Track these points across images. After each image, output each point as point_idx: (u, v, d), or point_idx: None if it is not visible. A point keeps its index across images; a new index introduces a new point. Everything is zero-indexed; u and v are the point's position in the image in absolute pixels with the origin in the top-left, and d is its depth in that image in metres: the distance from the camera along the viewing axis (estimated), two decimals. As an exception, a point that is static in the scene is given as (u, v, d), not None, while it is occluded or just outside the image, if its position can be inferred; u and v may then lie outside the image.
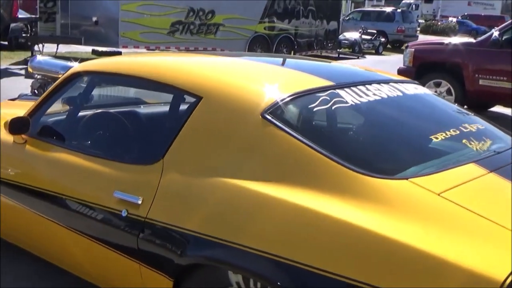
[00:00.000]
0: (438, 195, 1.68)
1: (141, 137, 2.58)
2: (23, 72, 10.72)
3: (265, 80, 2.26)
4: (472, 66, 8.70)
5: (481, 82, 8.63)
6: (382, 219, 1.62)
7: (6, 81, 9.99)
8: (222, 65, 2.65)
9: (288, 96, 2.05)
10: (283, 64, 2.64)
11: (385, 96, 2.28)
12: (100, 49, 12.80)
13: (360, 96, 2.19)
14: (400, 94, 2.38)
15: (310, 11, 17.46)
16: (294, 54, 15.88)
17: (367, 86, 2.32)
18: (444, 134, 2.10)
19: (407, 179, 1.75)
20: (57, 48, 12.46)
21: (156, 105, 3.22)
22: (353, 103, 2.13)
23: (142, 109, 3.15)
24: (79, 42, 12.34)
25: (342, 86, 2.23)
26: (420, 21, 47.75)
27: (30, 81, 5.81)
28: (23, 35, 11.88)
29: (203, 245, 1.86)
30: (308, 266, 1.62)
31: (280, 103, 2.02)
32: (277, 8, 15.95)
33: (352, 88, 2.25)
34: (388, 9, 27.85)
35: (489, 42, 8.67)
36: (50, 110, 2.86)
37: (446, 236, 1.54)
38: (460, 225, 1.59)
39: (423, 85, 8.51)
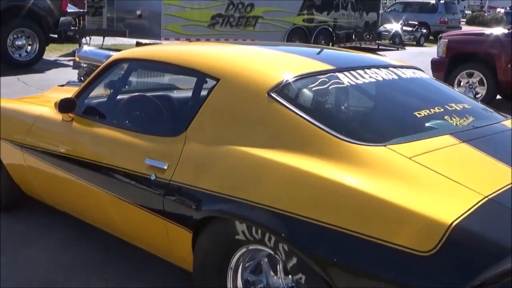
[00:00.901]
0: (409, 158, 2.01)
1: (169, 114, 2.97)
2: (71, 63, 11.33)
3: (274, 65, 2.62)
4: (505, 57, 8.77)
5: (515, 72, 8.71)
6: (359, 177, 1.95)
7: (55, 71, 10.64)
8: (238, 52, 3.04)
9: (291, 78, 2.41)
10: (294, 51, 2.98)
11: (381, 79, 2.61)
12: (143, 41, 13.36)
13: (357, 79, 2.53)
14: (396, 77, 2.70)
15: (349, 3, 17.59)
16: (332, 45, 16.10)
17: (366, 70, 2.65)
18: (427, 111, 2.41)
19: (385, 146, 2.08)
20: (103, 41, 13.05)
21: (186, 90, 3.61)
22: (349, 84, 2.47)
23: (173, 93, 3.54)
24: (123, 35, 12.89)
25: (341, 70, 2.57)
26: (467, 12, 46.93)
27: (77, 71, 6.31)
28: (72, 28, 12.49)
29: (215, 201, 2.23)
30: (298, 215, 1.96)
31: (284, 83, 2.37)
32: (316, 0, 16.17)
33: (351, 71, 2.58)
34: (431, 0, 27.58)
35: (523, 32, 8.75)
36: (93, 93, 3.29)
37: (409, 190, 1.87)
38: (423, 182, 1.91)
39: (456, 75, 8.65)
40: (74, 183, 3.05)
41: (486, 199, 1.82)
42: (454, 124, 2.39)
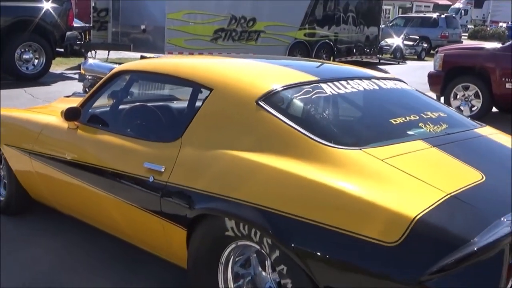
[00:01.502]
0: (382, 160, 2.22)
1: (166, 122, 3.20)
2: (76, 76, 11.63)
3: (262, 76, 2.85)
4: (499, 70, 8.98)
5: (507, 85, 8.91)
6: (336, 177, 2.16)
7: (61, 84, 10.91)
8: (231, 64, 3.27)
9: (277, 88, 2.64)
10: (282, 64, 3.21)
11: (362, 89, 2.83)
12: (147, 55, 13.67)
13: (339, 89, 2.75)
14: (377, 87, 2.92)
15: (350, 18, 17.88)
16: (333, 60, 16.35)
17: (348, 81, 2.87)
18: (403, 119, 2.63)
19: (361, 149, 2.29)
20: (108, 54, 13.36)
21: (183, 101, 3.84)
22: (331, 94, 2.69)
23: (171, 103, 3.77)
24: (128, 49, 13.19)
25: (325, 81, 2.80)
26: (469, 26, 47.20)
27: (82, 83, 6.56)
28: (78, 42, 12.82)
29: (207, 200, 2.44)
30: (281, 211, 2.17)
31: (271, 93, 2.59)
32: (317, 15, 16.44)
33: (334, 82, 2.80)
34: (432, 15, 27.86)
35: (517, 47, 8.96)
36: (96, 103, 3.52)
37: (379, 188, 2.07)
38: (392, 181, 2.12)
39: (452, 88, 8.85)
40: (79, 187, 3.27)
41: (449, 196, 2.02)
42: (428, 130, 2.60)
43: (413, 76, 12.03)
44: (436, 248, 1.85)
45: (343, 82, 2.83)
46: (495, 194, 2.13)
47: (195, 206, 2.49)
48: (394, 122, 2.60)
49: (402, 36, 23.48)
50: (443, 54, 9.83)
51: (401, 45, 22.97)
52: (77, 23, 12.62)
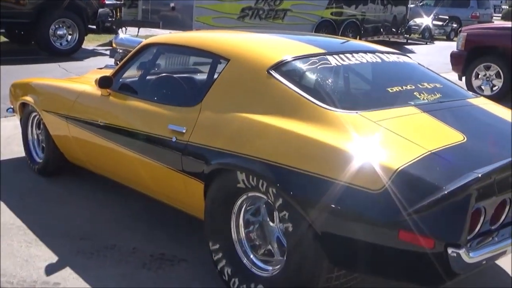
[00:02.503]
0: (375, 122, 2.52)
1: (188, 90, 3.53)
2: (107, 52, 12.04)
3: (273, 48, 3.17)
4: (520, 50, 9.07)
5: (529, 66, 9.00)
6: (334, 135, 2.47)
7: (93, 60, 11.35)
8: (247, 37, 3.60)
9: (287, 59, 2.94)
10: (294, 38, 3.51)
11: (365, 61, 3.12)
12: (172, 32, 14.01)
13: (343, 60, 3.05)
14: (379, 60, 3.21)
15: (377, -3, 17.91)
16: (360, 39, 16.46)
17: (353, 54, 3.16)
18: (400, 88, 2.92)
19: (357, 113, 2.60)
20: (138, 31, 13.75)
21: (204, 73, 4.16)
22: (335, 65, 2.99)
23: (193, 74, 4.09)
24: (157, 26, 13.54)
25: (331, 53, 3.10)
26: (503, 7, 46.25)
27: (111, 60, 6.94)
28: (109, 19, 13.23)
29: (222, 156, 2.78)
30: (285, 165, 2.49)
31: (281, 63, 2.91)
32: (344, -7, 16.53)
33: (340, 55, 3.10)
34: (463, -6, 27.50)
35: (539, 27, 9.03)
36: (126, 73, 3.87)
37: (370, 145, 2.38)
38: (382, 139, 2.42)
39: (474, 68, 8.99)
40: (111, 148, 3.64)
41: (429, 152, 2.32)
42: (422, 99, 2.89)
43: (439, 56, 12.13)
44: (413, 194, 2.15)
45: (348, 55, 3.13)
46: (473, 153, 2.41)
47: (211, 162, 2.82)
48: (391, 91, 2.89)
49: (431, 16, 23.34)
50: (466, 34, 9.93)
51: (430, 25, 22.85)
52: (108, 1, 13.02)
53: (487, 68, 9.49)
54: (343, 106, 2.67)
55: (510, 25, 9.77)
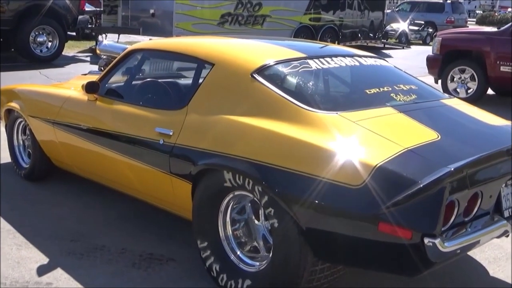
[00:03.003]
0: (354, 122, 2.66)
1: (175, 94, 3.64)
2: (88, 58, 12.11)
3: (257, 52, 3.30)
4: (493, 54, 9.34)
5: (502, 68, 9.27)
6: (315, 135, 2.60)
7: (74, 66, 11.39)
8: (230, 43, 3.72)
9: (269, 63, 3.07)
10: (277, 43, 3.65)
11: (344, 65, 3.27)
12: (156, 39, 14.07)
13: (323, 64, 3.20)
14: (357, 64, 3.36)
15: (355, 3, 18.16)
16: (338, 44, 16.69)
17: (333, 58, 3.31)
18: (377, 89, 3.07)
19: (337, 113, 2.73)
20: (118, 38, 13.79)
21: (189, 78, 4.28)
22: (316, 68, 3.13)
23: (179, 79, 4.20)
24: (137, 33, 13.60)
25: (312, 57, 3.23)
26: (478, 12, 47.14)
27: (92, 66, 7.03)
28: (89, 26, 13.28)
29: (209, 157, 2.89)
30: (269, 164, 2.61)
31: (263, 67, 3.03)
32: (322, 0, 16.77)
33: (320, 59, 3.24)
34: (439, 0, 28.01)
35: (510, 31, 9.30)
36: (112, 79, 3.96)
37: (350, 143, 2.52)
38: (361, 138, 2.56)
39: (449, 71, 9.24)
40: (98, 152, 3.73)
41: (405, 149, 2.46)
42: (398, 100, 3.04)
43: (415, 60, 12.39)
44: (391, 188, 2.29)
45: (328, 59, 3.27)
46: (447, 150, 2.56)
47: (198, 163, 2.94)
48: (369, 92, 3.04)
49: (407, 21, 23.73)
50: (441, 38, 10.20)
51: (407, 30, 23.22)
52: (88, 7, 13.06)
53: (462, 71, 9.75)
54: (323, 107, 2.81)
55: (483, 30, 10.06)
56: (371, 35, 19.24)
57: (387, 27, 22.59)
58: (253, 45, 3.64)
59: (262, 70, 3.02)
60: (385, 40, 20.85)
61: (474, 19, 40.20)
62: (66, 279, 3.12)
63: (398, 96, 3.07)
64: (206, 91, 3.16)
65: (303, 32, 16.03)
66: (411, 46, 21.39)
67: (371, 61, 3.52)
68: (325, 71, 3.19)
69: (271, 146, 2.69)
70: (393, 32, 23.05)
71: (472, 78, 9.66)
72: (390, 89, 3.13)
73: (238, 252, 2.92)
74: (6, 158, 4.98)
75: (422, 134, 2.66)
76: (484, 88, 9.68)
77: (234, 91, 3.06)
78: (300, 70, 3.09)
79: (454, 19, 25.71)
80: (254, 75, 2.99)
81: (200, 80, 3.26)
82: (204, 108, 3.11)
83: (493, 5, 53.88)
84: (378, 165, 2.35)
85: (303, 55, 3.24)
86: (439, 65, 9.97)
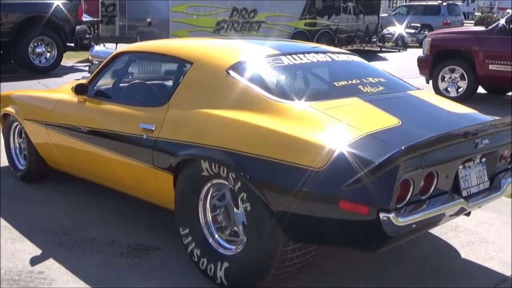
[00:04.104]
0: (320, 111, 2.85)
1: (157, 91, 3.83)
2: (86, 68, 12.32)
3: (232, 50, 3.51)
4: (482, 53, 9.52)
5: (490, 67, 9.45)
6: (285, 123, 2.79)
7: (72, 76, 11.58)
8: (209, 43, 3.93)
9: (243, 60, 3.27)
10: (253, 42, 3.85)
11: (315, 60, 3.47)
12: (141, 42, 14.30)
13: (295, 60, 3.40)
14: (329, 59, 3.57)
15: (350, 7, 18.41)
16: (333, 48, 16.88)
17: (305, 54, 3.51)
18: (345, 82, 3.27)
19: (305, 103, 2.93)
20: (116, 47, 14.01)
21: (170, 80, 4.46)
22: (288, 64, 3.33)
23: (161, 80, 4.39)
24: (135, 41, 13.71)
25: (285, 54, 3.43)
26: (476, 13, 47.30)
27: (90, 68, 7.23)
28: (87, 36, 13.55)
29: (187, 148, 3.08)
30: (242, 152, 2.79)
31: (237, 63, 3.23)
32: (317, 5, 16.99)
33: (292, 55, 3.44)
34: (435, 2, 28.22)
35: (497, 30, 9.48)
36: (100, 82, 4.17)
37: (315, 130, 2.71)
38: (326, 125, 2.75)
39: (440, 71, 9.43)
40: (88, 149, 3.92)
41: (366, 134, 2.65)
42: (365, 91, 3.23)
43: (411, 62, 12.54)
44: (350, 169, 2.47)
45: (300, 55, 3.47)
46: (406, 134, 2.73)
47: (178, 154, 3.13)
48: (337, 85, 3.24)
49: (404, 24, 23.97)
50: (430, 39, 10.39)
51: (403, 33, 23.47)
52: (86, 18, 13.32)
53: (452, 70, 9.93)
54: (292, 98, 3.00)
55: (471, 29, 10.23)
56: (367, 39, 19.45)
57: (383, 31, 22.84)
58: (229, 44, 3.86)
59: (236, 67, 3.22)
60: (381, 44, 21.07)
61: (473, 21, 40.37)
62: (57, 268, 3.30)
63: (366, 87, 3.26)
64: (185, 88, 3.36)
65: (299, 37, 16.22)
66: (407, 49, 21.57)
67: (343, 57, 3.72)
68: (297, 66, 3.39)
69: (243, 135, 2.88)
70: (390, 36, 23.32)
71: (462, 77, 9.84)
72: (359, 81, 3.32)
73: (216, 236, 3.10)
74: (4, 161, 5.18)
75: (384, 121, 2.85)
76: (474, 87, 9.86)
77: (210, 87, 3.26)
78: (272, 66, 3.29)
79: (451, 21, 25.90)
80: (229, 71, 3.19)
81: (180, 78, 3.46)
82: (184, 104, 3.30)
83: (491, 7, 54.03)
84: (339, 149, 2.54)
85: (277, 52, 3.44)
86: (430, 65, 10.16)
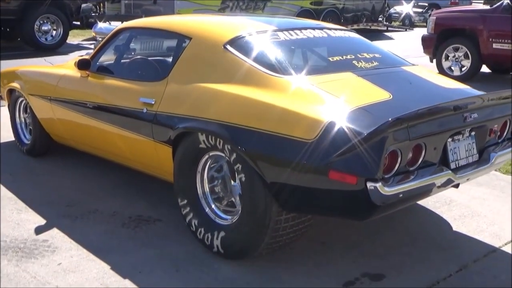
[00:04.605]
0: (313, 85, 2.94)
1: (157, 66, 3.92)
2: (92, 46, 12.41)
3: (230, 26, 3.58)
4: (486, 31, 9.52)
5: (494, 46, 9.45)
6: (279, 97, 2.87)
7: (78, 54, 11.64)
8: (208, 19, 4.01)
9: (240, 35, 3.35)
10: (252, 18, 3.92)
11: (312, 36, 3.54)
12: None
13: (291, 35, 3.47)
14: (325, 35, 3.64)
15: (356, -14, 18.32)
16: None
17: (302, 30, 3.58)
18: (340, 57, 3.34)
19: (299, 78, 3.01)
20: (121, 25, 14.07)
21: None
22: (284, 39, 3.40)
23: (161, 56, 4.48)
24: (140, 20, 13.87)
25: (282, 30, 3.51)
26: (486, -7, 46.80)
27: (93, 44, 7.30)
28: (92, 14, 13.60)
29: (185, 121, 3.18)
30: (237, 124, 2.88)
31: (234, 38, 3.31)
32: (323, -17, 16.93)
33: (289, 31, 3.51)
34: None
35: (501, 9, 9.46)
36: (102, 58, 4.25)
37: (308, 103, 2.79)
38: (318, 98, 2.83)
39: (443, 50, 9.41)
40: (91, 123, 4.03)
41: (356, 107, 2.73)
42: (359, 66, 3.30)
43: (417, 41, 12.50)
44: (339, 140, 2.55)
45: (297, 31, 3.55)
46: (395, 108, 2.79)
47: (176, 127, 3.22)
48: (332, 60, 3.32)
49: (411, 3, 23.80)
50: (435, 17, 10.38)
51: (411, 13, 23.33)
52: (91, -4, 13.37)
53: (456, 49, 9.93)
54: (287, 73, 3.08)
55: (476, 8, 10.20)
56: (373, 18, 19.36)
57: (390, 10, 22.70)
58: (228, 20, 3.93)
59: (234, 42, 3.30)
60: (388, 23, 20.97)
61: (482, 1, 39.93)
62: (61, 237, 3.43)
63: (360, 63, 3.33)
64: (184, 62, 3.45)
65: (304, 16, 16.10)
66: (414, 29, 21.48)
67: (340, 33, 3.78)
68: (293, 41, 3.46)
69: (238, 108, 2.97)
70: (397, 15, 23.19)
71: (466, 56, 9.84)
72: (353, 57, 3.39)
73: (213, 206, 3.21)
74: (10, 137, 5.30)
75: (376, 95, 2.93)
76: (478, 66, 9.87)
77: (208, 61, 3.34)
78: (268, 41, 3.36)
79: (458, 0, 25.68)
80: (226, 46, 3.27)
81: (180, 54, 3.54)
82: (182, 78, 3.39)
83: (502, -14, 53.32)
84: (329, 121, 2.62)
85: (274, 28, 3.51)
86: (434, 44, 10.16)
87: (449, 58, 10.04)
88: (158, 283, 2.96)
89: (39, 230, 3.52)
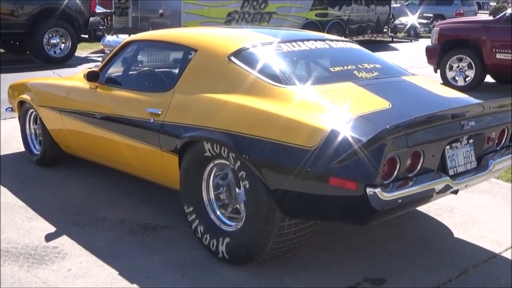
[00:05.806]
0: (315, 94, 3.03)
1: (164, 78, 4.03)
2: (100, 59, 12.56)
3: (234, 38, 3.69)
4: (489, 42, 9.60)
5: (497, 56, 9.53)
6: (283, 106, 2.97)
7: (86, 66, 11.85)
8: (213, 31, 4.12)
9: (244, 47, 3.46)
10: (255, 31, 4.03)
11: (314, 48, 3.65)
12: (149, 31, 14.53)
13: (294, 47, 3.57)
14: (327, 46, 3.74)
15: (361, -3, 18.47)
16: (344, 38, 16.95)
17: (304, 42, 3.68)
18: (341, 67, 3.44)
19: (302, 88, 3.11)
20: (129, 38, 14.26)
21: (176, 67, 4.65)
22: (287, 51, 3.51)
23: (168, 68, 4.59)
24: (147, 33, 14.05)
25: (284, 42, 3.61)
26: (491, 3, 46.89)
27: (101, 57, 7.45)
28: (100, 27, 13.80)
29: (191, 130, 3.28)
30: (241, 133, 2.98)
31: (238, 50, 3.42)
32: (328, -4, 17.09)
33: (292, 43, 3.62)
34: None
35: (504, 19, 9.55)
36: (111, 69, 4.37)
37: (310, 112, 2.88)
38: (320, 107, 2.93)
39: (447, 60, 9.51)
40: (99, 134, 4.14)
41: (357, 116, 2.82)
42: (360, 76, 3.40)
43: (422, 52, 12.59)
44: (340, 147, 2.64)
45: (299, 43, 3.65)
46: (395, 116, 2.87)
47: (183, 136, 3.32)
48: (333, 70, 3.42)
49: (416, 14, 23.91)
50: (438, 28, 10.48)
51: (416, 24, 23.42)
52: (99, 10, 13.56)
53: (460, 60, 10.02)
54: (289, 83, 3.18)
55: (479, 19, 10.29)
56: (378, 29, 19.48)
57: (395, 21, 22.82)
58: (232, 32, 4.05)
59: (238, 53, 3.41)
60: (393, 34, 21.08)
61: (487, 11, 40.03)
62: (70, 244, 3.53)
63: (361, 73, 3.43)
64: (190, 74, 3.56)
65: (310, 28, 16.28)
66: (419, 40, 21.57)
67: (341, 44, 3.89)
68: (295, 53, 3.56)
69: (242, 117, 3.07)
70: (402, 26, 23.28)
71: (469, 66, 9.93)
72: (354, 67, 3.49)
73: (218, 212, 3.30)
74: (20, 148, 5.42)
75: (375, 104, 3.02)
76: (481, 76, 9.95)
77: (213, 72, 3.45)
78: (271, 52, 3.47)
79: (464, 11, 25.82)
80: (231, 58, 3.37)
81: (185, 65, 3.65)
82: (188, 89, 3.49)
83: (507, -4, 53.42)
84: (330, 129, 2.71)
85: (277, 40, 3.62)
86: (438, 55, 10.25)
87: (453, 68, 10.12)
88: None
89: (49, 237, 3.61)
